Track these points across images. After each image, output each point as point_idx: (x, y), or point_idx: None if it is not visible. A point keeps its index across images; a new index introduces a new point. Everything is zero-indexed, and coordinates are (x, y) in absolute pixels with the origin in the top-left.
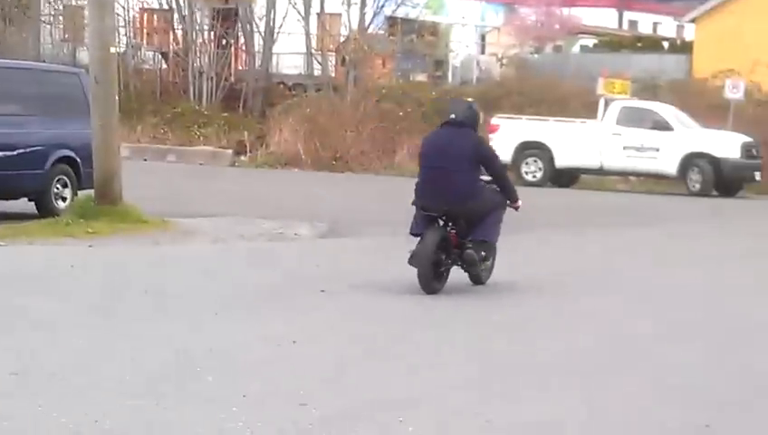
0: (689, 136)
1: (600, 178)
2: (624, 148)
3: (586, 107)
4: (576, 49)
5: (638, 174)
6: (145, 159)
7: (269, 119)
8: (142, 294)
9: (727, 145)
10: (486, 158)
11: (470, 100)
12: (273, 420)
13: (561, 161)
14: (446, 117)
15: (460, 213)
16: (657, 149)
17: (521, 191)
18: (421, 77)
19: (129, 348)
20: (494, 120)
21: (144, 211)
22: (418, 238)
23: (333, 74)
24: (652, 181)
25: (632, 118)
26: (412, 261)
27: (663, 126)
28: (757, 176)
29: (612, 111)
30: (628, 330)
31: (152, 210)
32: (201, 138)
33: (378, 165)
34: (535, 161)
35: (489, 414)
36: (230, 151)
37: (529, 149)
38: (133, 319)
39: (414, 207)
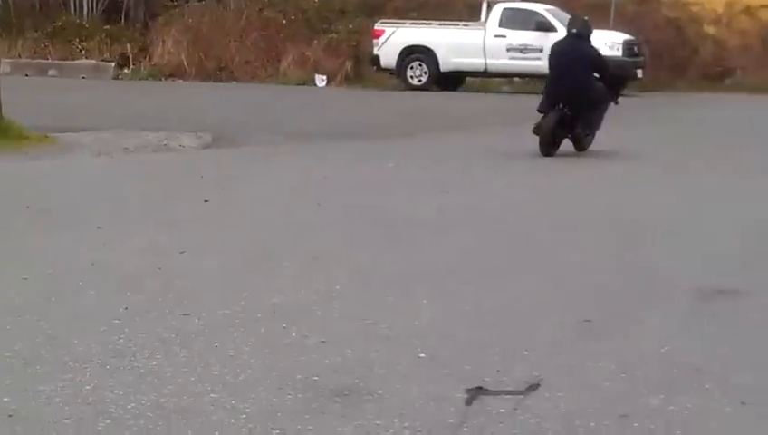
0: None
1: (485, 80)
2: (508, 49)
3: (469, 10)
4: None
5: (522, 75)
6: (26, 75)
7: (151, 30)
8: (23, 210)
9: (610, 44)
10: (599, 63)
11: (585, 17)
12: (155, 331)
13: (446, 65)
14: (569, 30)
15: (578, 100)
16: (541, 50)
17: (407, 95)
18: None
19: (11, 264)
20: (378, 26)
21: (25, 127)
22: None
23: None
24: (537, 82)
25: (515, 20)
26: (536, 130)
27: (546, 27)
28: (639, 73)
29: (495, 13)
30: (523, 229)
31: (34, 125)
32: (83, 51)
33: (263, 74)
34: (420, 65)
35: (372, 318)
36: (112, 64)
37: (413, 53)
38: (14, 235)
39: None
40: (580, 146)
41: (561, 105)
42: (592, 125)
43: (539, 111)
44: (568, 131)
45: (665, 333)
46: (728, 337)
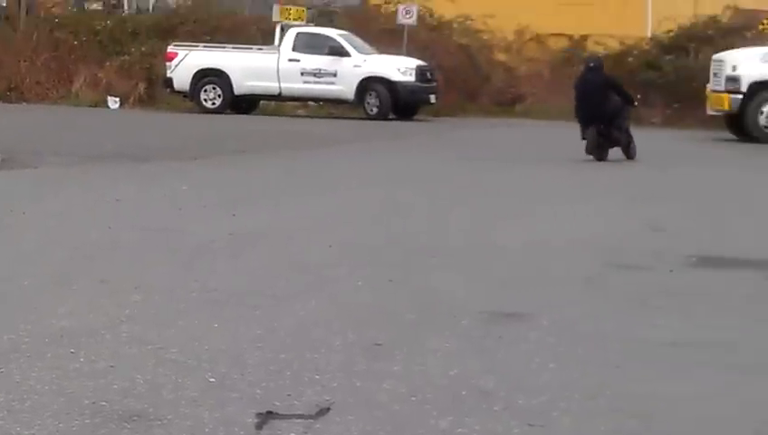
0: (365, 61)
1: (279, 103)
2: (302, 73)
3: (263, 34)
4: None
5: (316, 99)
6: None
7: None
8: None
9: (403, 69)
10: (613, 84)
11: (599, 55)
12: None
13: (240, 88)
14: (587, 64)
15: (602, 115)
16: (335, 75)
17: (201, 118)
18: (96, 6)
19: None
20: (171, 48)
21: None
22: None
23: (4, 3)
24: (331, 106)
25: (309, 44)
26: (588, 148)
27: (339, 51)
28: (432, 98)
29: (289, 37)
30: (310, 253)
31: None
32: None
33: (54, 95)
34: (214, 88)
35: (162, 343)
36: None
37: (207, 76)
38: None
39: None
40: (628, 154)
41: (592, 124)
42: (622, 128)
43: (582, 138)
44: (609, 140)
45: (453, 356)
46: (515, 359)
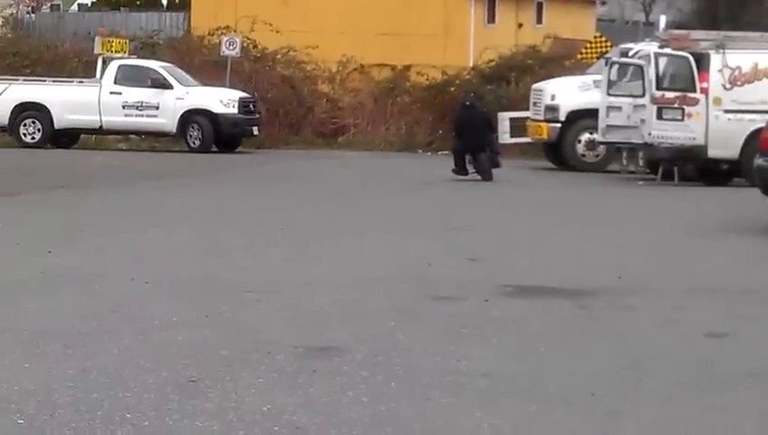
0: (188, 93)
1: (101, 137)
2: (124, 106)
3: (85, 67)
4: (74, 8)
5: (138, 132)
6: None
7: None
8: None
9: (225, 101)
10: (489, 120)
11: (472, 95)
12: None
13: (61, 122)
14: (463, 103)
15: (482, 146)
16: (157, 107)
17: (19, 152)
18: None
19: None
20: None
21: None
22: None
23: None
24: (154, 139)
25: (131, 76)
26: (456, 172)
27: (162, 84)
28: (255, 130)
29: (111, 69)
30: (118, 293)
31: None
32: None
33: None
34: (33, 123)
35: None
36: None
37: (27, 110)
38: None
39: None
40: (488, 177)
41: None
42: (495, 157)
43: (456, 165)
44: (477, 165)
45: (267, 392)
46: (328, 394)
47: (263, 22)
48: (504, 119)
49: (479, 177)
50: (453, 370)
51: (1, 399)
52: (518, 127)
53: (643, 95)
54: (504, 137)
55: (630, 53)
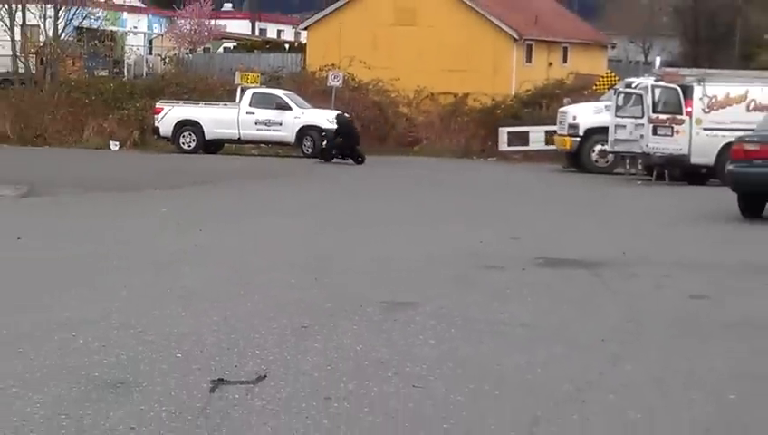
0: (303, 113)
1: (239, 145)
2: (256, 123)
3: (228, 94)
4: (221, 50)
5: (267, 142)
6: None
7: None
8: None
9: (330, 120)
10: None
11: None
12: None
13: (210, 134)
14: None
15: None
16: (281, 124)
17: (179, 157)
18: (103, 73)
19: None
20: (158, 104)
21: None
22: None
23: (34, 71)
24: (278, 147)
25: (262, 101)
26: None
27: (284, 106)
28: None
29: (247, 96)
30: (253, 262)
31: None
32: None
33: (70, 140)
34: (190, 135)
35: (142, 328)
36: None
37: (185, 125)
38: None
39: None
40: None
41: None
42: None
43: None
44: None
45: (359, 335)
46: (404, 337)
47: (359, 60)
48: (504, 132)
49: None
50: (498, 320)
51: (163, 338)
52: (514, 138)
53: (642, 117)
54: (503, 146)
55: (633, 85)
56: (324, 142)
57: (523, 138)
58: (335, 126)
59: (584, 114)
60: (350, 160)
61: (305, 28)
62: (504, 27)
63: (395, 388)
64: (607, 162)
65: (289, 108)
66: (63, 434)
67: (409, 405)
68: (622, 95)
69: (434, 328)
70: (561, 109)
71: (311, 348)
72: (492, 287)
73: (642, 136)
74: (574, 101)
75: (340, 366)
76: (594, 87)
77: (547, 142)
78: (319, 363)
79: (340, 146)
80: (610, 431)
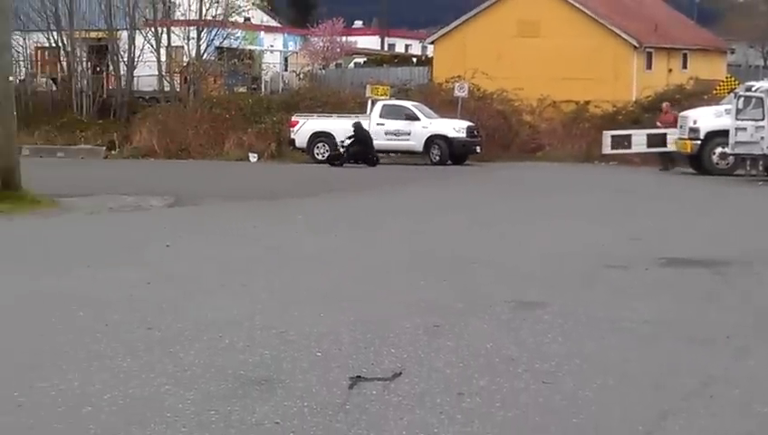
0: (430, 123)
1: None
2: (386, 133)
3: (359, 106)
4: (351, 65)
5: (396, 151)
6: (41, 156)
7: (132, 123)
8: (34, 253)
9: (457, 129)
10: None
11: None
12: (126, 341)
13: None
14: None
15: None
16: (409, 134)
17: (314, 168)
18: (242, 89)
19: (23, 294)
20: (294, 118)
21: (38, 193)
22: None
23: (178, 89)
24: (407, 156)
25: (391, 112)
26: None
27: (412, 117)
28: (478, 149)
29: (377, 108)
30: (389, 261)
31: (45, 193)
32: (82, 138)
33: (212, 153)
34: (324, 145)
35: (283, 328)
36: (103, 148)
37: (319, 137)
38: (27, 272)
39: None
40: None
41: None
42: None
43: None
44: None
45: (489, 334)
46: (533, 335)
47: (482, 72)
48: (607, 135)
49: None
50: (622, 318)
51: (304, 337)
52: (617, 141)
53: (763, 119)
54: (606, 149)
55: (753, 89)
56: (343, 149)
57: (625, 141)
58: (353, 134)
59: (705, 118)
60: (363, 164)
61: (432, 42)
62: (625, 36)
63: (525, 384)
64: (727, 164)
65: (417, 118)
66: (213, 428)
67: (539, 400)
68: (742, 99)
69: (561, 326)
70: (681, 113)
71: (443, 346)
72: (615, 286)
73: (763, 138)
74: (693, 106)
75: (471, 363)
76: (714, 91)
77: (649, 145)
78: (451, 361)
79: (356, 152)
80: (738, 425)
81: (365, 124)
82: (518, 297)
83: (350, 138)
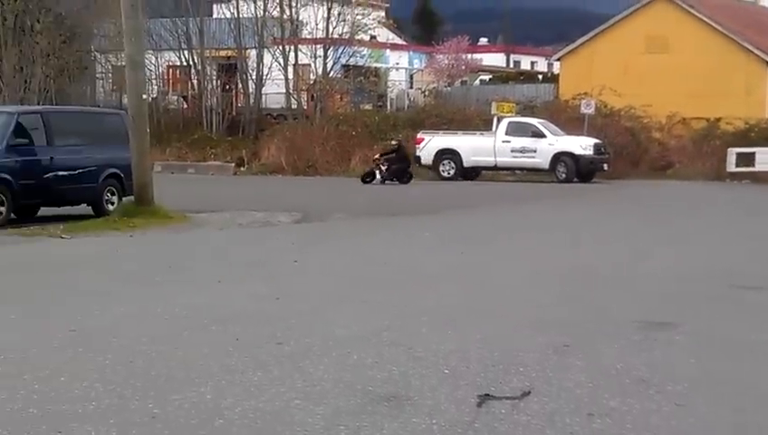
0: (557, 140)
1: (495, 172)
2: (511, 151)
3: (484, 123)
4: (477, 82)
5: (521, 168)
6: (172, 172)
7: (260, 140)
8: (167, 269)
9: (584, 146)
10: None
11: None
12: (257, 356)
13: (468, 162)
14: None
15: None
16: (535, 151)
17: (440, 185)
18: (368, 106)
19: (156, 307)
20: (420, 135)
21: (170, 209)
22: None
23: (306, 107)
24: (532, 173)
25: (517, 129)
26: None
27: (538, 134)
28: (605, 166)
29: (503, 125)
30: (511, 279)
31: (176, 208)
32: (212, 155)
33: (338, 169)
34: (449, 162)
35: (411, 345)
36: (233, 164)
37: (445, 154)
38: (160, 286)
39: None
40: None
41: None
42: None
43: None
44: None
45: (618, 354)
46: (665, 356)
47: (610, 88)
48: (732, 153)
49: None
50: (758, 340)
51: (431, 354)
52: (741, 159)
53: None
54: (731, 167)
55: None
56: (385, 168)
57: (750, 159)
58: (393, 151)
59: None
60: (396, 181)
61: (558, 59)
62: (757, 51)
63: (657, 405)
64: None
65: (543, 135)
66: None
67: (672, 423)
68: None
69: (692, 347)
70: None
71: (572, 365)
72: (748, 307)
73: None
74: None
75: (601, 383)
76: None
77: None
78: (581, 380)
79: (396, 170)
80: None
81: (489, 141)
82: (647, 317)
83: (387, 154)
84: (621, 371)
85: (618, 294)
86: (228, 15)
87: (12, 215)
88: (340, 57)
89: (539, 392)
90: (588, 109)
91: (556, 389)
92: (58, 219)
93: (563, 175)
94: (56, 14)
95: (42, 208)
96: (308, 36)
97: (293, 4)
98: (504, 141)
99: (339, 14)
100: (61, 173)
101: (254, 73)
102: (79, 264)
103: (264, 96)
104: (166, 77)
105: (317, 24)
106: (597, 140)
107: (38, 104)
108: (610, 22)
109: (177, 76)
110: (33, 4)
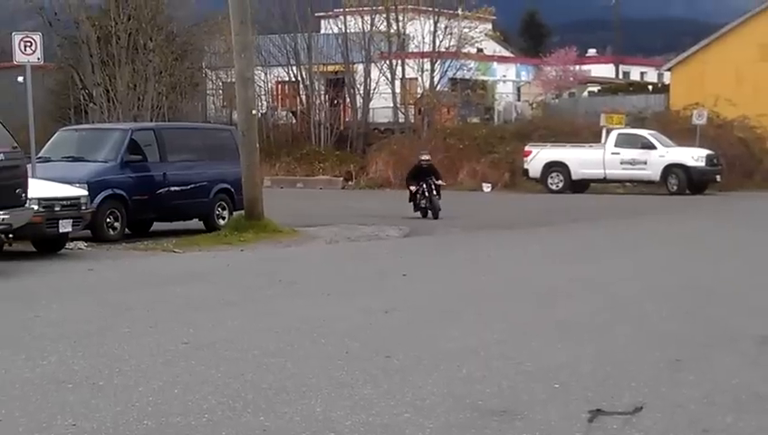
0: (668, 152)
1: (604, 185)
2: (621, 163)
3: (593, 135)
4: (585, 94)
5: (631, 181)
6: (281, 187)
7: (368, 154)
8: (277, 282)
9: (696, 157)
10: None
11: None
12: (366, 369)
13: (576, 175)
14: (420, 159)
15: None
16: (645, 163)
17: (548, 198)
18: (475, 119)
19: (267, 321)
20: (527, 147)
21: (280, 223)
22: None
23: (413, 121)
24: (642, 186)
25: (626, 141)
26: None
27: (649, 146)
28: (718, 178)
29: (612, 137)
30: (625, 293)
31: (286, 222)
32: (321, 170)
33: (446, 183)
34: (558, 175)
35: (521, 358)
36: (341, 178)
37: (553, 166)
38: (271, 300)
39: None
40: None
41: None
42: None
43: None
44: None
45: (735, 369)
46: None
47: (723, 98)
48: None
49: None
50: None
51: (541, 369)
52: None
53: None
54: None
55: None
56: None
57: None
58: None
59: None
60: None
61: (669, 69)
62: None
63: None
64: None
65: (654, 147)
66: None
67: None
68: None
69: None
70: None
71: (685, 381)
72: None
73: None
74: None
75: (716, 399)
76: None
77: None
78: (694, 396)
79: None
80: None
81: (598, 153)
82: (763, 331)
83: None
84: (737, 386)
85: (732, 308)
86: (336, 31)
87: (126, 230)
88: (447, 70)
89: (652, 408)
90: (700, 119)
91: (669, 404)
92: (170, 234)
93: (675, 187)
94: (168, 33)
95: (155, 223)
96: (415, 50)
97: (400, 19)
98: (613, 153)
99: (445, 28)
100: (173, 188)
101: (362, 88)
102: (191, 278)
103: (371, 110)
104: (275, 93)
105: (424, 38)
106: (709, 151)
107: (151, 121)
108: (722, 30)
109: (286, 91)
110: (146, 23)
